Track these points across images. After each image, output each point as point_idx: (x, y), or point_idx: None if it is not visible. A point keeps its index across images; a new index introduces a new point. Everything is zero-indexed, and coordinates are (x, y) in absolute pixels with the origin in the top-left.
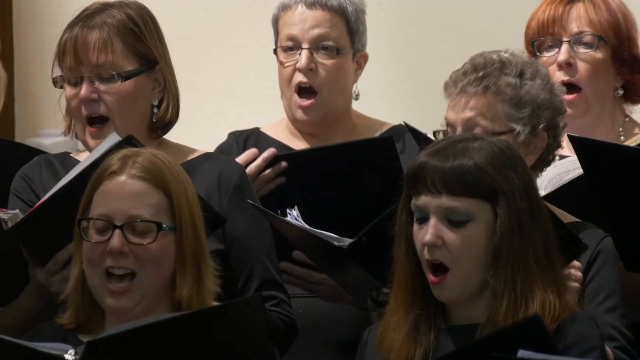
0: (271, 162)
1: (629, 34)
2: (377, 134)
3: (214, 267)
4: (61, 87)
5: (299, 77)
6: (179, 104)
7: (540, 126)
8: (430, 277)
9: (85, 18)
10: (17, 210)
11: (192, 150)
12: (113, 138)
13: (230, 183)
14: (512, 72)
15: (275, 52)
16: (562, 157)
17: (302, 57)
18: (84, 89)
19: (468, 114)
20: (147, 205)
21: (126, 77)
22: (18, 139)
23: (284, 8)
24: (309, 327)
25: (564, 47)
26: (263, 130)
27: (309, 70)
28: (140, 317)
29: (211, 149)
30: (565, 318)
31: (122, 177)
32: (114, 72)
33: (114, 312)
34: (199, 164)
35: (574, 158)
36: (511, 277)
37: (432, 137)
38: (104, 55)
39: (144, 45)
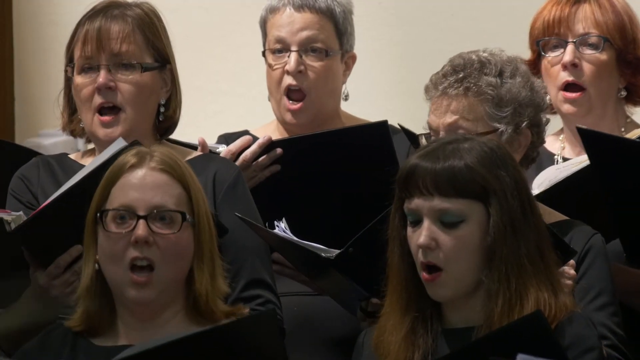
0: (266, 148)
1: (634, 36)
2: None
3: (223, 266)
4: (69, 78)
5: (288, 80)
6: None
7: (524, 124)
8: (424, 275)
9: (104, 10)
10: (20, 212)
11: (190, 151)
12: (119, 143)
13: (224, 184)
14: (492, 72)
15: (263, 54)
16: (565, 159)
17: (291, 60)
18: (103, 76)
19: (450, 118)
20: (171, 195)
21: (146, 68)
22: (18, 139)
23: (272, 10)
24: (304, 324)
25: (570, 47)
26: (253, 132)
27: (298, 72)
28: (158, 311)
29: None
30: (563, 319)
31: (143, 170)
32: (135, 62)
33: (136, 303)
34: (195, 165)
35: (574, 161)
36: (505, 276)
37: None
38: (127, 44)
39: (160, 43)
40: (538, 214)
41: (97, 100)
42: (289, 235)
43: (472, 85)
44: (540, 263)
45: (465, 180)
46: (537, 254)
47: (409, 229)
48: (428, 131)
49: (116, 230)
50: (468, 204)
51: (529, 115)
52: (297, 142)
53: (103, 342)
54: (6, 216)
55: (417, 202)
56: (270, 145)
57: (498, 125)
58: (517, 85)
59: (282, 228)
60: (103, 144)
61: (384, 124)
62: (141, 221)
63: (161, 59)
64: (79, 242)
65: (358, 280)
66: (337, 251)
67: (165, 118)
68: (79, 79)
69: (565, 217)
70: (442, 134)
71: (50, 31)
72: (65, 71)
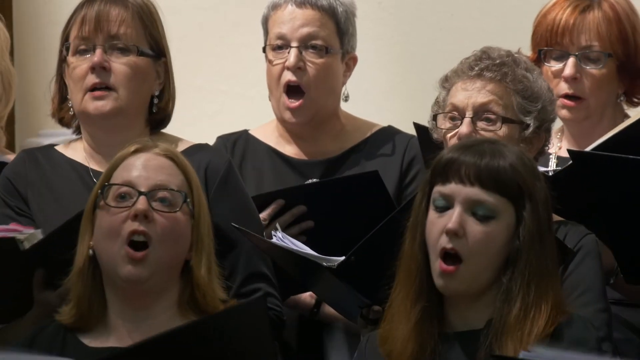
0: (262, 203)
1: (637, 47)
2: (366, 136)
3: (220, 272)
4: (62, 63)
5: (288, 76)
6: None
7: (545, 124)
8: (441, 265)
9: None
10: (33, 230)
11: (181, 140)
12: None
13: (216, 176)
14: (524, 67)
15: (264, 50)
16: (560, 157)
17: (291, 55)
18: (98, 55)
19: (483, 98)
20: (173, 178)
21: (142, 52)
22: (18, 139)
23: (274, 7)
24: None
25: (571, 61)
26: (252, 132)
27: (298, 69)
28: (153, 293)
29: None
30: (562, 321)
31: (147, 154)
32: (132, 44)
33: (129, 281)
34: (187, 156)
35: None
36: (527, 282)
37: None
38: (125, 27)
39: (157, 34)
40: (552, 228)
41: (91, 79)
42: (287, 243)
43: (509, 72)
44: (555, 276)
45: (507, 179)
46: (554, 267)
47: (433, 215)
48: (432, 123)
49: (117, 205)
50: (503, 202)
51: (550, 118)
52: (294, 192)
53: (93, 342)
54: (19, 235)
55: (453, 187)
56: (267, 198)
57: (525, 118)
58: (543, 86)
59: (279, 237)
60: (93, 121)
61: (374, 174)
62: (142, 197)
63: (157, 49)
64: None
65: (360, 288)
66: (339, 259)
67: (158, 109)
68: (73, 59)
69: (560, 219)
70: (468, 113)
71: (50, 31)
72: (60, 51)
